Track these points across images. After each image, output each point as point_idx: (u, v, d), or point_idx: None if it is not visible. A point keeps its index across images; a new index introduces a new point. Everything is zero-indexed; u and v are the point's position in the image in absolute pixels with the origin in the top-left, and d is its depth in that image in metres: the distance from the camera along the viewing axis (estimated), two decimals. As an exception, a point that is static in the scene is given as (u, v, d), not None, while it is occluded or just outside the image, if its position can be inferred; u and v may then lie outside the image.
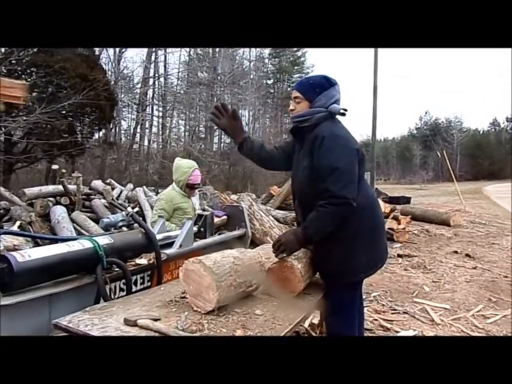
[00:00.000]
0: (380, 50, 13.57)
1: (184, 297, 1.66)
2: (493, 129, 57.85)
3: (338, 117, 1.92)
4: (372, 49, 13.69)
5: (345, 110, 1.86)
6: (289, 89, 35.12)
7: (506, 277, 4.74)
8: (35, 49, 10.11)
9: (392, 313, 3.54)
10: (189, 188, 3.16)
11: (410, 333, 3.07)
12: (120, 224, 2.21)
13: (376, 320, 3.34)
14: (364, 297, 2.49)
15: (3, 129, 10.11)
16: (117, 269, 1.87)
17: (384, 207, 7.69)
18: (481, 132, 57.21)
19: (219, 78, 22.53)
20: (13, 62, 9.74)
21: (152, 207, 7.02)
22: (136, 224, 2.22)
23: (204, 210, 3.51)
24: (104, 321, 1.44)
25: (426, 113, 60.50)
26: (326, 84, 1.85)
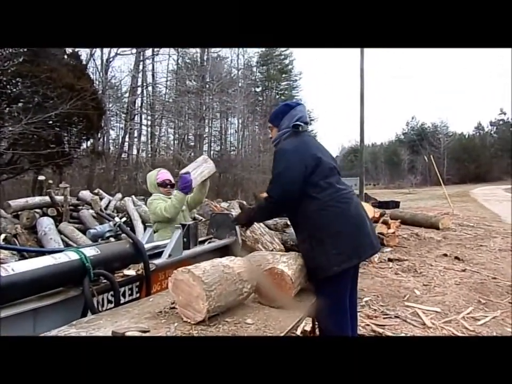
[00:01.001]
0: (367, 55, 13.78)
1: (173, 308, 1.64)
2: (478, 133, 59.01)
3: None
4: (359, 57, 13.89)
5: (299, 124, 2.15)
6: (277, 96, 35.43)
7: (494, 278, 4.79)
8: (20, 59, 10.02)
9: (384, 318, 3.55)
10: (161, 187, 3.16)
11: (402, 337, 3.07)
12: (108, 234, 2.17)
13: (368, 325, 3.33)
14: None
15: (-12, 140, 9.95)
16: (105, 281, 1.83)
17: (374, 212, 7.73)
18: (466, 136, 58.30)
19: (207, 86, 22.59)
20: (-3, 72, 9.63)
21: (140, 216, 6.96)
22: (124, 235, 2.18)
23: (194, 219, 3.47)
24: (91, 334, 1.40)
25: (412, 118, 61.64)
26: (286, 109, 2.23)
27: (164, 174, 3.26)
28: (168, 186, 3.20)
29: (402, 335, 3.13)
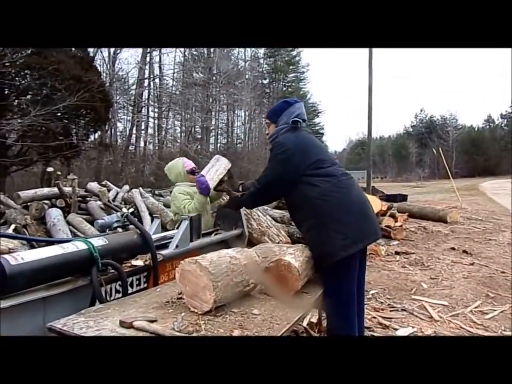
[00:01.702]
0: (376, 50, 13.57)
1: (180, 298, 1.65)
2: (488, 126, 58.14)
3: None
4: (367, 51, 13.68)
5: (297, 120, 2.19)
6: (284, 88, 35.20)
7: (503, 272, 4.75)
8: (28, 51, 10.05)
9: (390, 311, 3.54)
10: (190, 174, 3.17)
11: (408, 330, 3.07)
12: (115, 225, 2.18)
13: (374, 318, 3.33)
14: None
15: (-3, 132, 10.05)
16: (112, 271, 1.84)
17: (381, 205, 7.68)
18: (476, 129, 57.50)
19: (214, 78, 22.51)
20: (6, 64, 9.67)
21: (148, 208, 6.99)
22: (131, 225, 2.19)
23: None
24: (99, 323, 1.42)
25: (421, 111, 60.78)
26: (285, 106, 2.27)
27: (190, 162, 3.29)
28: (196, 174, 3.14)
29: (409, 328, 3.12)
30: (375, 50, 13.59)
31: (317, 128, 40.91)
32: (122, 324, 1.38)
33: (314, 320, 2.92)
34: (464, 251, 5.93)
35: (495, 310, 3.49)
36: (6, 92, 10.88)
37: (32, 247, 4.04)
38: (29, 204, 6.00)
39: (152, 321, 1.42)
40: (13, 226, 5.14)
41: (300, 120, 2.21)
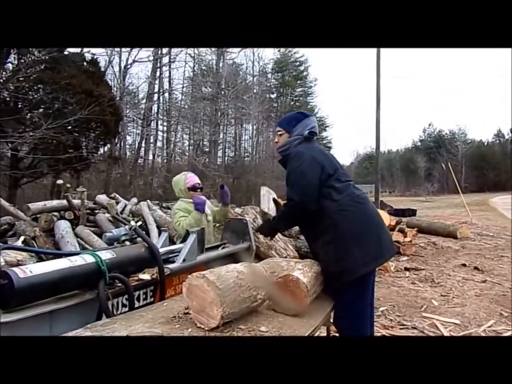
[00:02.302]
0: (383, 62, 13.65)
1: (187, 313, 1.62)
2: (498, 141, 57.72)
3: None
4: (375, 65, 13.76)
5: (314, 132, 2.17)
6: (292, 103, 35.47)
7: (517, 290, 4.63)
8: (42, 67, 10.31)
9: (400, 329, 3.46)
10: (191, 191, 3.17)
11: (420, 349, 2.99)
12: (123, 238, 2.18)
13: (384, 336, 3.26)
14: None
15: (9, 145, 10.24)
16: (120, 284, 1.83)
17: (390, 219, 7.61)
18: (485, 143, 57.10)
19: (223, 92, 22.78)
20: (20, 79, 9.92)
21: (155, 220, 7.02)
22: (139, 238, 2.19)
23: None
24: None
25: (430, 125, 60.77)
26: (300, 117, 2.22)
27: (193, 178, 3.26)
28: (198, 190, 3.21)
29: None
30: (383, 63, 13.66)
31: (324, 142, 41.01)
32: (129, 339, 1.37)
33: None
34: (476, 268, 5.81)
35: (509, 330, 3.39)
36: (20, 106, 11.13)
37: (40, 259, 4.06)
38: (38, 215, 6.06)
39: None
40: (22, 238, 5.18)
41: (315, 132, 2.18)
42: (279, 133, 2.26)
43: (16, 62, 10.85)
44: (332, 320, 2.13)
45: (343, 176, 2.08)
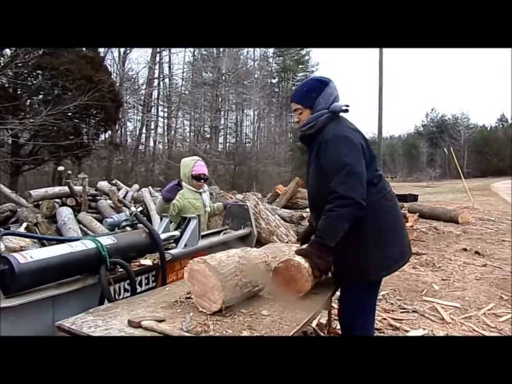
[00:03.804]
0: (386, 49, 13.43)
1: (189, 298, 1.64)
2: (501, 125, 57.17)
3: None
4: (377, 50, 13.55)
5: (347, 106, 1.83)
6: (293, 87, 35.09)
7: (517, 274, 4.65)
8: (40, 52, 10.18)
9: (401, 312, 3.49)
10: (195, 180, 3.09)
11: (420, 332, 3.02)
12: (124, 224, 2.18)
13: (385, 319, 3.28)
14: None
15: (10, 131, 10.20)
16: (121, 270, 1.84)
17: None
18: (488, 128, 56.61)
19: (223, 77, 22.52)
20: (19, 64, 9.81)
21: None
22: (140, 224, 2.19)
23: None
24: (108, 322, 1.42)
25: (432, 110, 60.11)
26: (320, 86, 1.84)
27: (200, 168, 3.12)
28: (202, 181, 3.14)
29: (420, 330, 3.07)
30: (385, 49, 13.44)
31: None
32: (131, 324, 1.38)
33: (323, 321, 2.89)
34: (477, 252, 5.83)
35: (509, 313, 3.42)
36: (19, 92, 11.04)
37: (43, 245, 4.08)
38: (40, 202, 6.08)
39: (160, 321, 1.41)
40: (24, 224, 5.21)
41: (346, 107, 1.81)
42: (298, 111, 1.88)
43: (14, 47, 10.71)
44: (336, 317, 2.10)
45: (377, 165, 1.84)
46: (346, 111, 1.82)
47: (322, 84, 1.85)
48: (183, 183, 3.14)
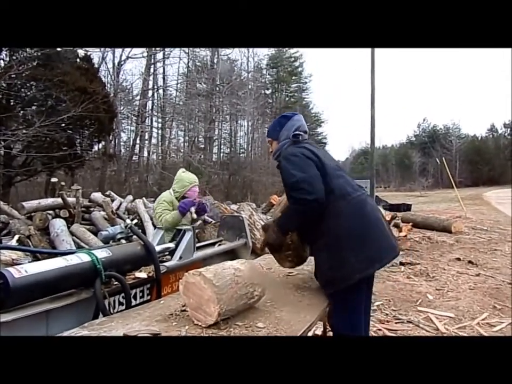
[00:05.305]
0: (378, 59, 13.62)
1: (184, 311, 1.63)
2: (491, 135, 58.02)
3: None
4: (369, 61, 13.74)
5: (299, 134, 2.14)
6: (287, 99, 35.40)
7: (510, 283, 4.68)
8: (34, 63, 10.19)
9: (396, 323, 3.49)
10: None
11: (415, 343, 3.02)
12: (119, 236, 2.18)
13: (380, 330, 3.29)
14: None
15: (2, 142, 10.13)
16: (116, 283, 1.83)
17: (385, 214, 7.65)
18: (479, 138, 57.40)
19: (218, 88, 22.68)
20: (12, 76, 9.80)
21: (151, 218, 6.99)
22: (135, 236, 2.18)
23: (203, 221, 3.48)
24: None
25: (424, 120, 60.93)
26: (283, 120, 2.21)
27: (194, 193, 3.23)
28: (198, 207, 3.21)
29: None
30: (377, 59, 13.64)
31: (319, 137, 41.00)
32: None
33: (318, 332, 2.88)
34: (470, 261, 5.87)
35: (502, 322, 3.44)
36: (12, 103, 11.01)
37: (35, 258, 4.04)
38: (32, 214, 6.02)
39: (155, 335, 1.40)
40: (16, 236, 5.15)
41: (301, 133, 2.15)
42: (269, 143, 2.30)
43: (8, 58, 10.73)
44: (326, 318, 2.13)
45: (337, 175, 2.00)
46: (295, 136, 2.12)
47: (285, 119, 2.22)
48: (171, 192, 3.20)
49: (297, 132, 2.14)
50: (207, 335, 1.43)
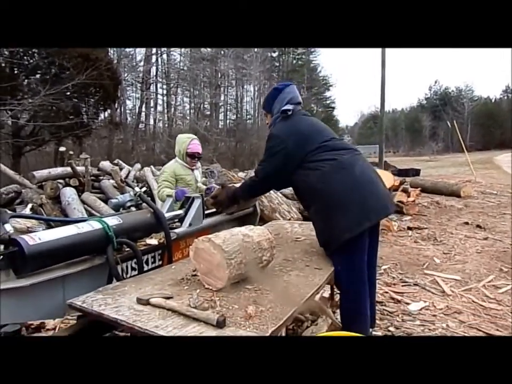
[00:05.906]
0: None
1: (195, 275, 1.67)
2: (506, 97, 56.15)
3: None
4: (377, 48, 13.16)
5: (288, 109, 2.17)
6: (294, 61, 34.35)
7: (518, 246, 4.70)
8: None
9: (402, 286, 3.56)
10: (189, 158, 3.24)
11: (420, 305, 3.09)
12: (129, 204, 2.20)
13: (386, 292, 3.36)
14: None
15: (9, 112, 10.12)
16: (128, 249, 1.88)
17: (394, 180, 7.60)
18: (493, 100, 55.65)
19: (222, 52, 22.06)
20: (13, 43, 9.61)
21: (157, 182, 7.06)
22: (144, 204, 2.21)
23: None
24: (117, 300, 1.46)
25: (436, 82, 59.14)
26: (275, 93, 2.25)
27: (195, 146, 3.26)
28: (196, 159, 3.27)
29: (421, 302, 3.14)
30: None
31: (327, 102, 40.17)
32: (140, 301, 1.42)
33: (326, 295, 2.95)
34: (478, 225, 5.87)
35: (508, 285, 3.48)
36: (16, 72, 10.88)
37: (49, 226, 4.14)
38: (43, 183, 6.10)
39: (168, 298, 1.45)
40: (29, 205, 5.25)
41: (290, 108, 2.16)
42: (265, 116, 2.37)
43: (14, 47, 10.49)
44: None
45: (328, 145, 2.06)
46: (284, 111, 2.16)
47: (277, 91, 2.25)
48: (177, 159, 3.23)
49: (286, 107, 2.17)
50: (217, 300, 1.48)
